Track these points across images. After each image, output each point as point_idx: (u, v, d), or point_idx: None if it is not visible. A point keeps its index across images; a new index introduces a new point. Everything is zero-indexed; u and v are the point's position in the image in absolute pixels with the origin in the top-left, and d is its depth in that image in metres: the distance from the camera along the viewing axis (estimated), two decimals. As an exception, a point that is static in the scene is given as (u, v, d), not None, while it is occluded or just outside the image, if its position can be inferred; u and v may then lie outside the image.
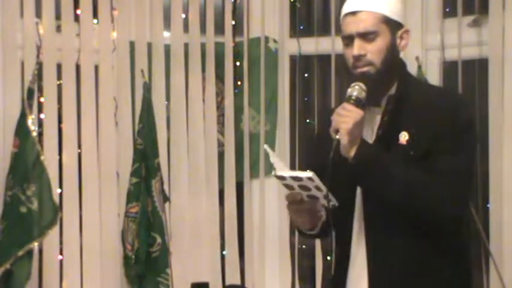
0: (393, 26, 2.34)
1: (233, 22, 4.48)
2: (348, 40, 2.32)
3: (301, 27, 4.60)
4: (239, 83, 4.48)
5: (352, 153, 2.22)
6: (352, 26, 2.31)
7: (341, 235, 2.33)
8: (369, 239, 2.30)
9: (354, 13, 2.31)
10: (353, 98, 2.24)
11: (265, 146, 2.35)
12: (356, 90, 2.25)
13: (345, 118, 2.20)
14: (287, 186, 2.26)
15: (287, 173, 2.22)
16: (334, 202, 2.22)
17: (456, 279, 2.35)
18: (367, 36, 2.29)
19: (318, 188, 2.20)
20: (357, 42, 2.29)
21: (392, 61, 2.34)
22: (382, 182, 2.24)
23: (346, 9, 2.35)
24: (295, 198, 2.27)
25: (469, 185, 2.35)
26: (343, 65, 2.40)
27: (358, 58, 2.29)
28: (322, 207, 2.28)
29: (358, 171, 2.24)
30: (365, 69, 2.30)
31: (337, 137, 2.20)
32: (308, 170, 2.20)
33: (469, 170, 2.33)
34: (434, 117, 2.28)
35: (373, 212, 2.30)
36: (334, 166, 2.16)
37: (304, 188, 2.22)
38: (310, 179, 2.18)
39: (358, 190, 2.32)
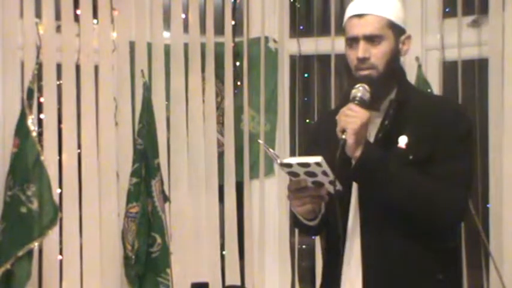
0: (397, 31, 2.35)
1: (233, 22, 4.48)
2: (353, 42, 2.32)
3: (301, 28, 4.60)
4: (239, 83, 4.49)
5: (358, 153, 2.21)
6: (358, 28, 2.31)
7: (335, 234, 2.30)
8: (363, 237, 2.29)
9: (360, 15, 2.31)
10: (357, 99, 2.24)
11: (260, 141, 2.33)
12: (360, 91, 2.25)
13: (352, 119, 2.20)
14: (291, 173, 2.21)
15: (293, 159, 2.18)
16: (339, 187, 2.19)
17: (450, 280, 2.36)
18: (372, 39, 2.30)
19: (324, 173, 2.16)
20: (362, 45, 2.30)
21: (394, 66, 2.35)
22: (385, 183, 2.23)
23: (352, 11, 2.35)
24: (299, 185, 2.23)
25: (468, 190, 2.36)
26: (345, 65, 2.40)
27: (362, 61, 2.30)
28: (327, 193, 2.23)
29: (363, 171, 2.23)
30: (367, 72, 2.30)
31: (344, 136, 2.19)
32: (316, 156, 2.15)
33: (469, 176, 2.34)
34: (434, 122, 2.30)
35: (369, 211, 2.29)
36: (338, 165, 2.15)
37: (310, 174, 2.18)
38: (318, 164, 2.14)
39: (354, 190, 2.32)
